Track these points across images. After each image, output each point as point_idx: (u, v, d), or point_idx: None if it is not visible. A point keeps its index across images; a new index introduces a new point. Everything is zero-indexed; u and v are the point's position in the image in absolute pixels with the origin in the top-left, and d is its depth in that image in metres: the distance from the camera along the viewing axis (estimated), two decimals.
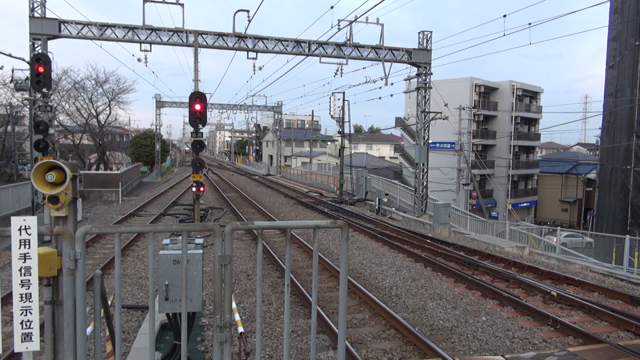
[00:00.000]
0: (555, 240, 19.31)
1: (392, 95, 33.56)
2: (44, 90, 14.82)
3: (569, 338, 7.19)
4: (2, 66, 39.50)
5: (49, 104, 17.11)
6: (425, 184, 23.46)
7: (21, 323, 2.74)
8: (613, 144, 25.49)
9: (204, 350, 6.35)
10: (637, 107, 23.27)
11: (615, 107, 25.35)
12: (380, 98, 34.62)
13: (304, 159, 61.07)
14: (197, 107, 13.14)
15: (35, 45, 18.07)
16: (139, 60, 21.17)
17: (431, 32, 22.51)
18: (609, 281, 11.41)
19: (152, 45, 19.37)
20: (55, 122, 36.66)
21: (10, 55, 18.87)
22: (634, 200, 23.48)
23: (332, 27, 20.35)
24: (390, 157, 71.92)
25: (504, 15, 17.63)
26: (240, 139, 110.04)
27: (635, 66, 23.57)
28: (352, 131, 37.73)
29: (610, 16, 26.43)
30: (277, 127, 55.50)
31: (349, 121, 30.95)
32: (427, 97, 23.04)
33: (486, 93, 48.46)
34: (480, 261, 12.01)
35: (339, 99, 31.08)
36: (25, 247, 2.72)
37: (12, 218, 2.76)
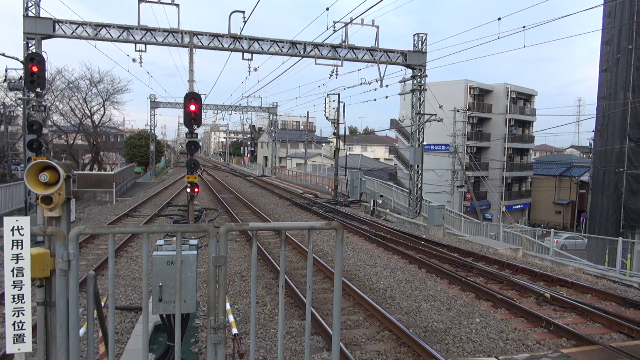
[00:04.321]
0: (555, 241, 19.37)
1: (387, 97, 33.70)
2: (38, 89, 14.72)
3: (562, 339, 7.22)
4: None
5: (43, 103, 17.00)
6: (419, 185, 23.51)
7: (13, 324, 2.72)
8: (606, 146, 25.63)
9: (198, 351, 6.33)
10: (630, 111, 23.41)
11: (609, 110, 25.50)
12: (375, 100, 34.71)
13: (298, 160, 61.07)
14: (192, 107, 13.11)
15: (29, 45, 17.98)
16: (133, 60, 21.13)
17: (426, 34, 22.61)
18: (602, 283, 11.48)
19: (147, 45, 19.33)
20: (49, 122, 36.47)
21: (3, 55, 18.81)
22: (626, 203, 23.61)
23: (327, 29, 20.40)
24: (385, 159, 72.02)
25: (499, 19, 17.71)
26: (235, 139, 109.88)
27: (629, 70, 23.70)
28: (347, 132, 37.75)
29: (604, 20, 26.59)
30: (272, 128, 55.45)
31: (344, 123, 30.97)
32: (422, 99, 23.11)
33: (480, 95, 48.69)
34: (474, 263, 12.04)
35: (334, 101, 31.10)
36: (17, 248, 2.70)
37: (5, 218, 2.74)
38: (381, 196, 26.38)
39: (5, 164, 32.81)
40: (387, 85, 22.82)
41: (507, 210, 44.87)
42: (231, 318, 5.76)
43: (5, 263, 2.70)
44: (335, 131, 31.25)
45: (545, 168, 55.82)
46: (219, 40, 19.96)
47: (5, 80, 25.93)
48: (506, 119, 48.54)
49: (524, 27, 17.09)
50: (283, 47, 20.84)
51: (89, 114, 42.19)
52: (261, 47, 20.56)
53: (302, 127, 79.72)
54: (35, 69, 13.77)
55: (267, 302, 8.56)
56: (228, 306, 5.87)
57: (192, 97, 13.25)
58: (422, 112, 23.20)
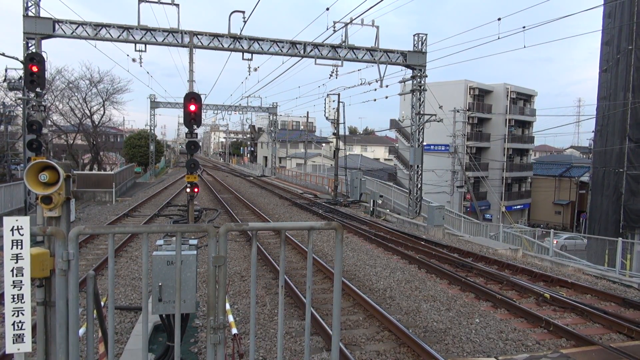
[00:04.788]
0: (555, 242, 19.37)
1: (387, 97, 33.70)
2: (38, 89, 14.72)
3: (561, 340, 7.22)
4: None
5: (43, 103, 16.99)
6: (419, 185, 23.51)
7: (13, 324, 2.72)
8: (606, 147, 25.65)
9: (198, 351, 6.33)
10: (630, 111, 23.43)
11: (608, 110, 25.52)
12: (375, 100, 34.70)
13: (298, 161, 61.07)
14: (192, 107, 13.11)
15: (29, 45, 17.98)
16: (133, 60, 21.14)
17: (426, 34, 22.61)
18: (601, 283, 11.48)
19: (147, 45, 19.33)
20: (49, 122, 36.45)
21: (3, 55, 18.79)
22: (626, 203, 23.62)
23: (327, 29, 20.40)
24: (385, 159, 72.07)
25: (499, 19, 17.72)
26: (234, 140, 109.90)
27: (629, 70, 23.72)
28: (347, 133, 37.73)
29: (604, 20, 26.62)
30: (272, 128, 55.45)
31: (344, 123, 30.96)
32: (421, 99, 23.10)
33: (480, 96, 48.70)
34: (474, 263, 12.04)
35: (334, 101, 31.09)
36: (17, 248, 2.70)
37: (5, 218, 2.74)
38: (381, 196, 26.38)
39: (5, 164, 32.79)
40: (387, 86, 22.85)
41: (506, 210, 44.91)
42: (231, 318, 5.76)
43: (5, 263, 2.70)
44: (335, 131, 31.25)
45: (545, 168, 55.84)
46: (219, 40, 19.97)
47: (5, 80, 25.91)
48: (506, 120, 48.55)
49: (524, 27, 17.10)
50: (283, 47, 20.84)
51: (88, 114, 42.17)
52: (261, 47, 20.57)
53: (302, 127, 79.74)
54: (35, 68, 13.76)
55: (267, 302, 8.56)
56: (228, 306, 5.86)
57: (192, 97, 13.25)
58: (422, 112, 23.20)
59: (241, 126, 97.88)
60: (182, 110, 13.73)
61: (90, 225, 15.24)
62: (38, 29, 17.95)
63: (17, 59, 18.92)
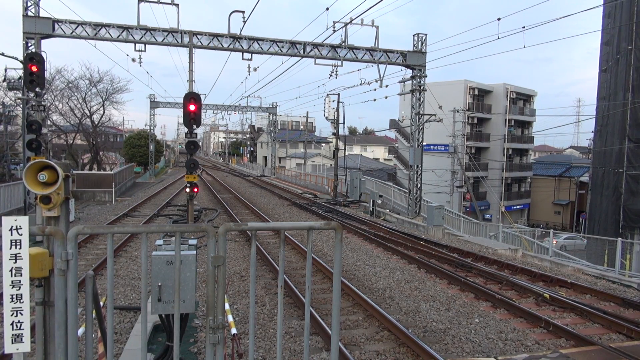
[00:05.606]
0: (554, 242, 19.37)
1: (386, 97, 33.63)
2: (37, 89, 14.74)
3: (561, 340, 7.22)
4: None
5: (42, 103, 17.00)
6: (419, 185, 23.51)
7: (12, 324, 2.72)
8: (605, 147, 25.64)
9: (197, 351, 6.33)
10: (630, 111, 23.43)
11: (608, 110, 25.51)
12: (374, 100, 34.63)
13: (298, 160, 61.06)
14: (192, 107, 13.11)
15: (29, 45, 17.97)
16: (133, 60, 21.12)
17: (426, 34, 22.60)
18: (601, 283, 11.48)
19: (147, 45, 19.33)
20: (48, 122, 36.44)
21: (3, 54, 18.79)
22: (625, 203, 23.62)
23: (327, 29, 20.39)
24: (385, 159, 72.06)
25: (498, 19, 17.73)
26: (234, 139, 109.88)
27: (628, 70, 23.72)
28: (347, 133, 37.69)
29: (604, 20, 26.62)
30: (271, 128, 55.43)
31: (344, 123, 30.96)
32: (421, 99, 23.10)
33: (480, 96, 48.71)
34: (473, 263, 12.04)
35: (333, 101, 31.08)
36: (16, 248, 2.70)
37: (4, 218, 2.73)
38: (380, 196, 26.38)
39: (4, 164, 32.79)
40: (386, 86, 22.84)
41: (506, 210, 44.89)
42: (230, 318, 5.75)
43: (3, 263, 2.70)
44: (335, 131, 31.23)
45: (545, 168, 55.84)
46: (219, 40, 19.96)
47: (4, 80, 25.91)
48: (506, 120, 48.56)
49: (523, 27, 17.10)
50: (283, 47, 20.84)
51: (88, 114, 42.12)
52: (261, 47, 20.56)
53: (301, 127, 79.73)
54: (34, 68, 13.76)
55: (266, 302, 8.55)
56: (227, 306, 5.86)
57: (192, 97, 13.25)
58: (421, 112, 23.20)
59: (241, 126, 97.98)
60: (182, 110, 13.73)
61: (89, 225, 15.21)
62: (38, 28, 17.94)
63: (16, 58, 18.92)
